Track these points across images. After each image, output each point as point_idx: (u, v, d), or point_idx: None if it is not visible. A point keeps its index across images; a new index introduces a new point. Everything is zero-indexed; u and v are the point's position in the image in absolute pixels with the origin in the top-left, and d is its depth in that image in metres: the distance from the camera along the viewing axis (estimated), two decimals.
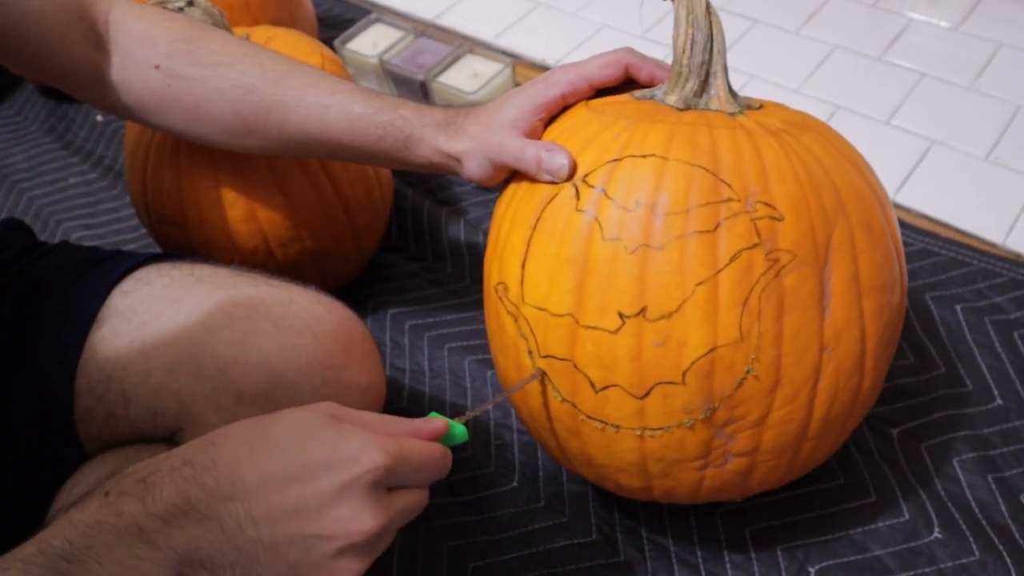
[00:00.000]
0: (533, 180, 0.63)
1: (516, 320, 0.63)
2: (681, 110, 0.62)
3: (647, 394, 0.58)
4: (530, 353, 0.63)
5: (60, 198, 1.27)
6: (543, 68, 1.34)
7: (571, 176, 0.60)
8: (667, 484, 0.64)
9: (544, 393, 0.64)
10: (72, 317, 0.68)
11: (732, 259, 0.56)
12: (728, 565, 0.74)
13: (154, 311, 0.67)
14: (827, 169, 0.59)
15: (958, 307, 0.91)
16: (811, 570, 0.73)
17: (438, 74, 1.19)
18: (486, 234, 1.06)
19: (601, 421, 0.61)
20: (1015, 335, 0.88)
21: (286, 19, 1.19)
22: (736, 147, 0.58)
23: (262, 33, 0.94)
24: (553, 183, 0.61)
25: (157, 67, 0.69)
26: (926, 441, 0.81)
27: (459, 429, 0.54)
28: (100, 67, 0.70)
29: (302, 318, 0.67)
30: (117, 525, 0.44)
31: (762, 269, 0.56)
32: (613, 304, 0.57)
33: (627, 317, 0.57)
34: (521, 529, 0.78)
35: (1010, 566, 0.71)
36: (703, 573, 0.74)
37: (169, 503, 0.44)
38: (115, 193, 1.25)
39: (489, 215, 1.10)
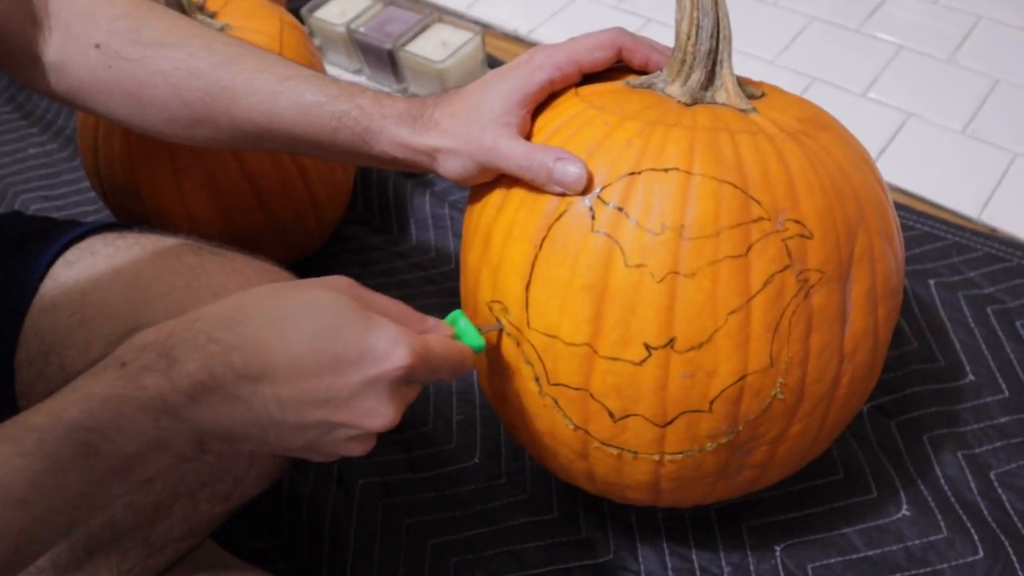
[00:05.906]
0: (529, 187, 0.56)
1: (519, 344, 0.58)
2: (688, 104, 0.57)
3: (670, 422, 0.55)
4: (537, 379, 0.58)
5: (18, 169, 1.23)
6: (514, 38, 1.30)
7: (585, 190, 0.54)
8: (676, 497, 0.62)
9: (546, 418, 0.59)
10: (14, 288, 0.65)
11: (765, 284, 0.52)
12: (693, 543, 0.73)
13: (95, 281, 0.64)
14: (847, 174, 0.56)
15: (931, 282, 0.90)
16: (777, 548, 0.72)
17: (406, 43, 1.16)
18: (455, 207, 1.04)
19: (617, 447, 0.57)
20: (988, 310, 0.87)
21: None
22: (762, 158, 0.53)
23: None
24: (562, 195, 0.55)
25: (97, 46, 0.63)
26: (896, 417, 0.79)
27: (478, 342, 0.56)
28: (35, 45, 0.64)
29: (244, 288, 0.64)
30: (141, 399, 0.44)
31: (792, 291, 0.53)
32: (638, 335, 0.53)
33: (654, 349, 0.53)
34: (482, 506, 0.77)
35: (977, 544, 0.70)
36: (667, 552, 0.73)
37: (196, 379, 0.45)
38: (75, 164, 1.22)
39: (457, 186, 1.08)
